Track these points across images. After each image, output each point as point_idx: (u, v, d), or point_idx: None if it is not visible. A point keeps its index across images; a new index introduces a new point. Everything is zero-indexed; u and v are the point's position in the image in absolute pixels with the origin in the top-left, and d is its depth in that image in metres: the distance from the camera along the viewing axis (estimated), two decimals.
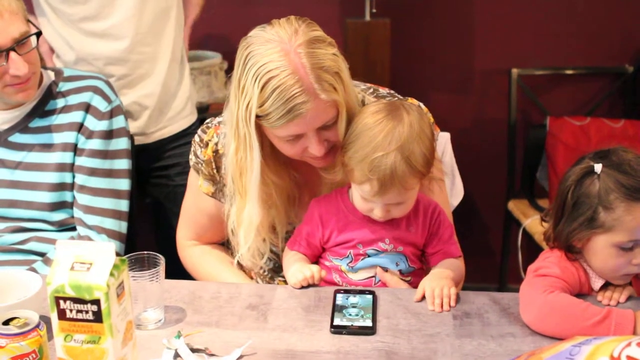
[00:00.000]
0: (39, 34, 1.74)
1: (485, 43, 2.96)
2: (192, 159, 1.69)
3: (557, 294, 1.38)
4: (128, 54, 2.11)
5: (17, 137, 1.81)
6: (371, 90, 1.67)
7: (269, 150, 1.53)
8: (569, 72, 2.97)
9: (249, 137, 1.48)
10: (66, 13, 2.09)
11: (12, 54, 1.67)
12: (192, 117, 2.31)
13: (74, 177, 1.82)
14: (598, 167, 1.40)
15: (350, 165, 1.47)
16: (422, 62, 2.99)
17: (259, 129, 1.48)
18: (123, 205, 1.87)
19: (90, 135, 1.81)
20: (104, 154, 1.82)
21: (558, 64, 2.97)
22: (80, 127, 1.81)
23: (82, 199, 1.82)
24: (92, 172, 1.81)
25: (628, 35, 2.92)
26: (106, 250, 1.17)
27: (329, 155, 1.53)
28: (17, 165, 1.81)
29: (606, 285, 1.48)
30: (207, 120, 1.69)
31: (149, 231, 2.45)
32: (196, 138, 1.68)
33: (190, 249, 1.76)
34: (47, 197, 1.81)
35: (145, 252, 1.44)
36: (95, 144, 1.81)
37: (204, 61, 2.74)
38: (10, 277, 1.45)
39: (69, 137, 1.81)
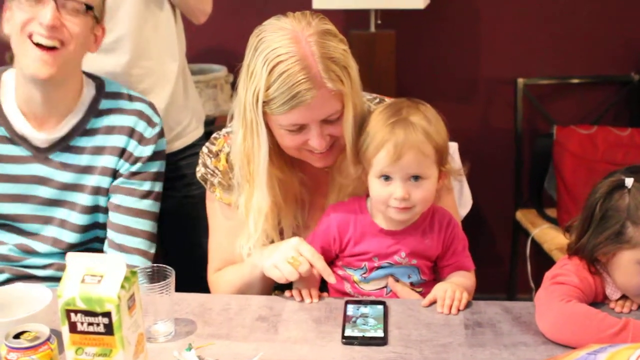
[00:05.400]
0: (90, 7, 1.67)
1: (491, 53, 2.97)
2: (199, 170, 1.68)
3: (574, 304, 1.37)
4: (129, 69, 2.11)
5: (58, 156, 1.76)
6: (377, 100, 1.67)
7: (274, 147, 1.53)
8: (575, 81, 2.97)
9: (255, 124, 1.48)
10: None
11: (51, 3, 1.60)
12: (198, 132, 2.31)
13: (108, 199, 1.79)
14: (629, 182, 1.38)
15: (364, 147, 1.47)
16: (428, 73, 2.99)
17: (265, 121, 1.49)
18: (154, 227, 1.84)
19: (134, 161, 1.78)
20: (146, 176, 1.80)
21: (564, 73, 2.96)
22: (122, 152, 1.77)
23: (118, 218, 1.78)
24: (131, 192, 1.78)
25: (633, 44, 2.92)
26: (117, 263, 1.16)
27: (329, 154, 1.53)
28: (56, 185, 1.77)
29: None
30: (214, 134, 1.70)
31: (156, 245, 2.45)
32: (204, 150, 1.68)
33: (215, 274, 1.72)
34: (81, 219, 1.78)
35: (155, 265, 1.43)
36: (139, 167, 1.78)
37: (209, 74, 2.74)
38: (21, 291, 1.44)
39: (110, 161, 1.77)
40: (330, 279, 1.50)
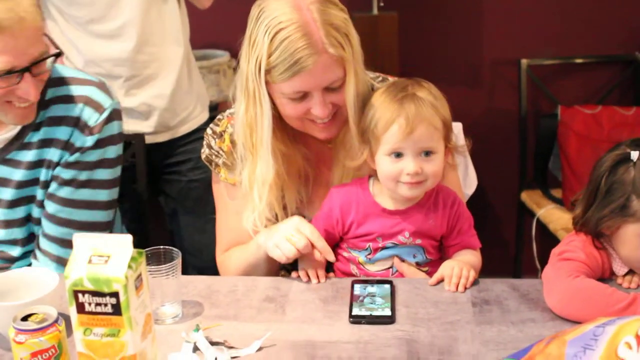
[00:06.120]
0: (58, 55, 1.58)
1: (494, 34, 2.95)
2: (204, 151, 1.68)
3: (582, 279, 1.37)
4: (135, 55, 2.11)
5: (16, 155, 1.67)
6: (380, 79, 1.67)
7: (276, 120, 1.53)
8: (579, 61, 2.96)
9: (258, 93, 1.49)
10: (74, 16, 2.09)
11: (27, 75, 1.50)
12: (203, 117, 2.31)
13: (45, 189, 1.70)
14: (635, 155, 1.37)
15: (372, 125, 1.47)
16: (431, 55, 2.98)
17: (268, 91, 1.49)
18: (98, 216, 1.72)
19: (74, 151, 1.67)
20: (84, 166, 1.68)
21: (567, 54, 2.95)
22: (65, 144, 1.66)
23: (49, 207, 1.69)
24: (66, 182, 1.68)
25: (637, 23, 2.91)
26: (124, 243, 1.16)
27: (331, 124, 1.53)
28: (14, 185, 1.68)
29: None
30: (218, 115, 1.69)
31: (162, 230, 2.46)
32: (208, 131, 1.68)
33: (222, 255, 1.72)
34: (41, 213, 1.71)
35: (162, 246, 1.43)
36: (77, 157, 1.67)
37: (212, 60, 2.74)
38: (28, 275, 1.44)
39: (55, 154, 1.66)
40: (330, 257, 1.51)
